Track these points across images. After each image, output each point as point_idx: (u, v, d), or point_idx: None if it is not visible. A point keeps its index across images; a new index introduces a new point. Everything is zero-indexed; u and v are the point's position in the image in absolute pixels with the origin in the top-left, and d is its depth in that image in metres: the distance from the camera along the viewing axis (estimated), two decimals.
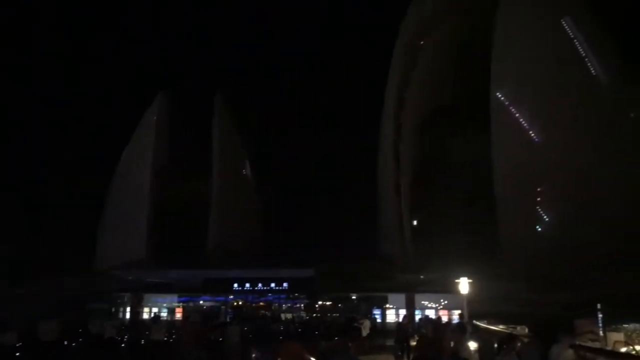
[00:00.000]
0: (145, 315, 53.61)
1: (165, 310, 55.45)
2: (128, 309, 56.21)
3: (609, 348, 23.78)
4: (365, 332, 34.63)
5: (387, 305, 50.58)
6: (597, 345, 23.99)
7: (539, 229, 52.65)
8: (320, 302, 54.69)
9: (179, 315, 54.43)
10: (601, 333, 26.99)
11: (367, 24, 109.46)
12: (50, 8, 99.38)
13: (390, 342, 30.72)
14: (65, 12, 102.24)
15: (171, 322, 45.72)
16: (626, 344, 24.41)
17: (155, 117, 75.22)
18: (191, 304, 56.53)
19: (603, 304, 28.88)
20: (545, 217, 52.75)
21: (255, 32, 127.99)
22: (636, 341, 24.72)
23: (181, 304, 56.46)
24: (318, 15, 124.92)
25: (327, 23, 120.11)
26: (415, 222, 60.99)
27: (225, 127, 77.70)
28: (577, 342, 19.64)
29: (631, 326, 26.90)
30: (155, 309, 54.92)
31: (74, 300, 50.84)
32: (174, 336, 29.50)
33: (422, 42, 62.95)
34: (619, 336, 25.51)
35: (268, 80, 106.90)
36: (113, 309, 56.21)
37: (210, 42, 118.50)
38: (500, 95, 54.09)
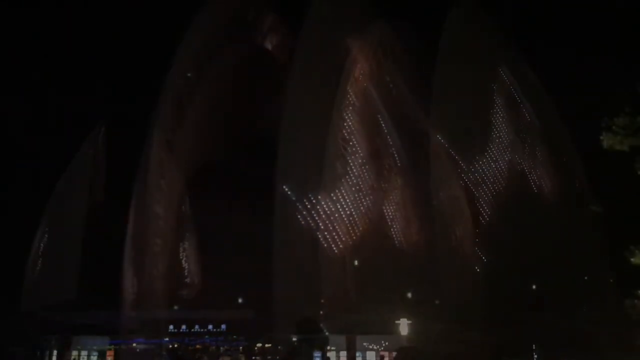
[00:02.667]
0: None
1: (96, 353, 52.73)
2: (55, 352, 53.10)
3: None
4: None
5: (328, 347, 50.00)
6: None
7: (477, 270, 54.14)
8: (259, 344, 53.50)
9: (110, 358, 51.92)
10: None
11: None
12: None
13: None
14: None
15: None
16: None
17: (92, 151, 72.93)
18: (124, 347, 54.02)
19: (537, 344, 29.91)
20: (482, 257, 54.31)
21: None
22: None
23: (113, 346, 53.85)
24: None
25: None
26: (356, 262, 61.16)
27: (164, 163, 75.89)
28: None
29: None
30: (84, 352, 52.10)
31: None
32: None
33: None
34: None
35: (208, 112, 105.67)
36: (38, 353, 52.94)
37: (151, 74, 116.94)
38: (440, 140, 55.95)
